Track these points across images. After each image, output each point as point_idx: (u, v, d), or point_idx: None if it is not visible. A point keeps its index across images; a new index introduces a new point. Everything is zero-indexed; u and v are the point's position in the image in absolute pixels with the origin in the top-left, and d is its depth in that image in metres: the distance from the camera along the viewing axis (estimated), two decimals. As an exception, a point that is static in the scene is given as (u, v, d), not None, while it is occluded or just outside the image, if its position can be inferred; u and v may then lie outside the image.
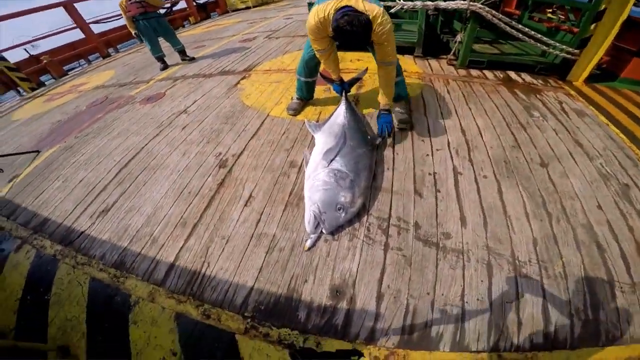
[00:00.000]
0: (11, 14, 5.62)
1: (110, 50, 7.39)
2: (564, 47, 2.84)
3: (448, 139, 2.30)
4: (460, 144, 2.24)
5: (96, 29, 7.28)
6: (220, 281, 1.54)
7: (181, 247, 1.75)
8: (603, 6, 2.51)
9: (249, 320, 1.38)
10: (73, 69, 6.74)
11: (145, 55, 5.65)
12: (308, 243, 1.62)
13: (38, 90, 5.59)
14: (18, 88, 5.66)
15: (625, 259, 1.42)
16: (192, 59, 5.02)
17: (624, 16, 2.45)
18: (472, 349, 1.19)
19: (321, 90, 3.02)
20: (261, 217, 1.85)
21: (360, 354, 1.22)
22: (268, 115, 2.93)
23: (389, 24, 1.82)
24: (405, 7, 3.37)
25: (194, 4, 9.73)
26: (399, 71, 2.42)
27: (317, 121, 2.64)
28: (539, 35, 2.89)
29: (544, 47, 2.95)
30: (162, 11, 4.62)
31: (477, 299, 1.32)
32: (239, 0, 10.61)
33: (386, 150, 2.25)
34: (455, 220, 1.67)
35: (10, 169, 2.89)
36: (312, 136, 2.36)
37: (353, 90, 2.91)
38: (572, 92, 2.82)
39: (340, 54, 2.23)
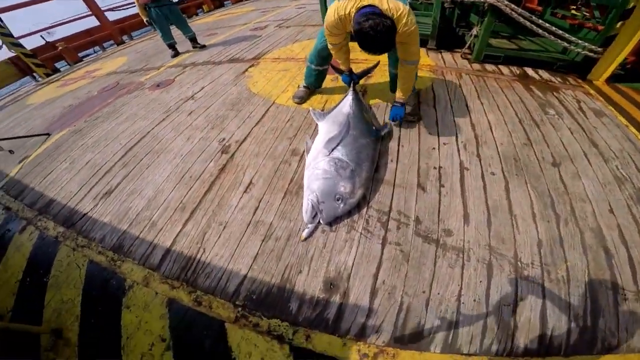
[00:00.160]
0: (27, 1, 5.71)
1: (125, 37, 7.46)
2: (586, 44, 2.70)
3: (456, 133, 2.22)
4: (468, 138, 2.16)
5: (111, 16, 7.36)
6: (215, 268, 1.54)
7: (178, 232, 1.75)
8: (631, 4, 2.37)
9: (239, 309, 1.36)
10: (88, 55, 6.82)
11: (158, 43, 5.67)
12: (305, 233, 1.59)
13: (53, 76, 5.70)
14: (34, 74, 5.78)
15: (633, 265, 1.33)
16: (203, 47, 5.02)
17: (653, 16, 2.30)
18: (464, 352, 1.14)
19: (328, 80, 2.97)
20: (259, 205, 1.83)
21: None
22: (274, 102, 2.91)
23: (414, 25, 1.73)
24: None
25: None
26: None
27: (323, 110, 2.59)
28: (560, 32, 2.75)
29: (565, 44, 2.82)
30: None
31: (474, 300, 1.27)
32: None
33: (391, 142, 2.19)
34: (458, 217, 1.61)
35: (22, 150, 2.96)
36: (316, 125, 2.32)
37: (361, 82, 2.85)
38: (592, 91, 2.68)
39: (350, 44, 2.18)
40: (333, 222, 1.64)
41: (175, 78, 3.94)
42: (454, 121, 2.35)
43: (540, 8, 3.63)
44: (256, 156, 2.23)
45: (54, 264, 1.75)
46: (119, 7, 7.81)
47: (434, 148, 2.10)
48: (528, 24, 2.81)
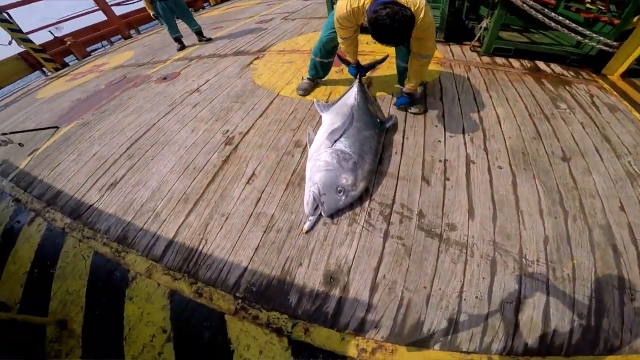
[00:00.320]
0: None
1: (132, 31, 7.49)
2: (601, 38, 2.60)
3: (463, 126, 2.17)
4: (476, 131, 2.11)
5: (118, 11, 7.40)
6: (216, 259, 1.54)
7: (181, 223, 1.76)
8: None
9: (239, 301, 1.36)
10: (96, 49, 6.89)
11: (164, 36, 5.69)
12: (306, 225, 1.58)
13: (62, 70, 5.78)
14: (43, 68, 5.87)
15: (643, 264, 1.29)
16: (209, 40, 5.01)
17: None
18: (463, 349, 1.12)
19: (333, 72, 2.94)
20: (261, 196, 1.82)
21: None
22: (278, 94, 2.90)
23: (432, 20, 1.69)
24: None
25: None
26: None
27: (327, 102, 2.57)
28: (574, 25, 2.66)
29: (579, 38, 2.72)
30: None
31: (476, 297, 1.25)
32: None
33: (396, 134, 2.16)
34: (462, 212, 1.58)
35: (32, 143, 3.01)
36: (320, 117, 2.30)
37: (367, 74, 2.81)
38: (606, 86, 2.59)
39: (359, 36, 2.15)
40: (335, 214, 1.63)
41: (181, 71, 3.95)
42: (461, 114, 2.30)
43: (553, 1, 3.52)
44: (259, 148, 2.22)
45: (60, 256, 1.78)
46: (126, 1, 7.84)
47: (439, 141, 2.06)
48: (540, 17, 2.72)
